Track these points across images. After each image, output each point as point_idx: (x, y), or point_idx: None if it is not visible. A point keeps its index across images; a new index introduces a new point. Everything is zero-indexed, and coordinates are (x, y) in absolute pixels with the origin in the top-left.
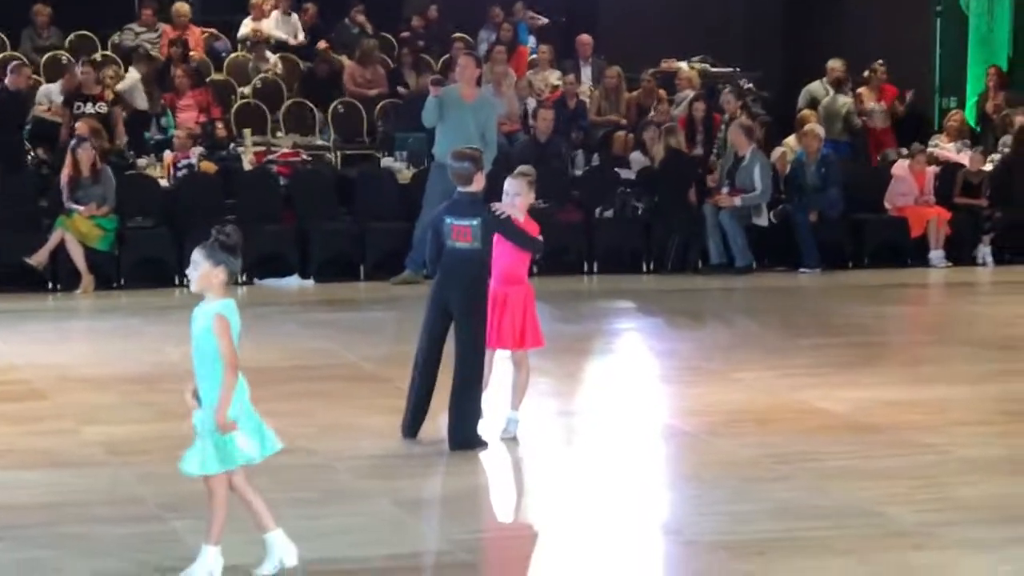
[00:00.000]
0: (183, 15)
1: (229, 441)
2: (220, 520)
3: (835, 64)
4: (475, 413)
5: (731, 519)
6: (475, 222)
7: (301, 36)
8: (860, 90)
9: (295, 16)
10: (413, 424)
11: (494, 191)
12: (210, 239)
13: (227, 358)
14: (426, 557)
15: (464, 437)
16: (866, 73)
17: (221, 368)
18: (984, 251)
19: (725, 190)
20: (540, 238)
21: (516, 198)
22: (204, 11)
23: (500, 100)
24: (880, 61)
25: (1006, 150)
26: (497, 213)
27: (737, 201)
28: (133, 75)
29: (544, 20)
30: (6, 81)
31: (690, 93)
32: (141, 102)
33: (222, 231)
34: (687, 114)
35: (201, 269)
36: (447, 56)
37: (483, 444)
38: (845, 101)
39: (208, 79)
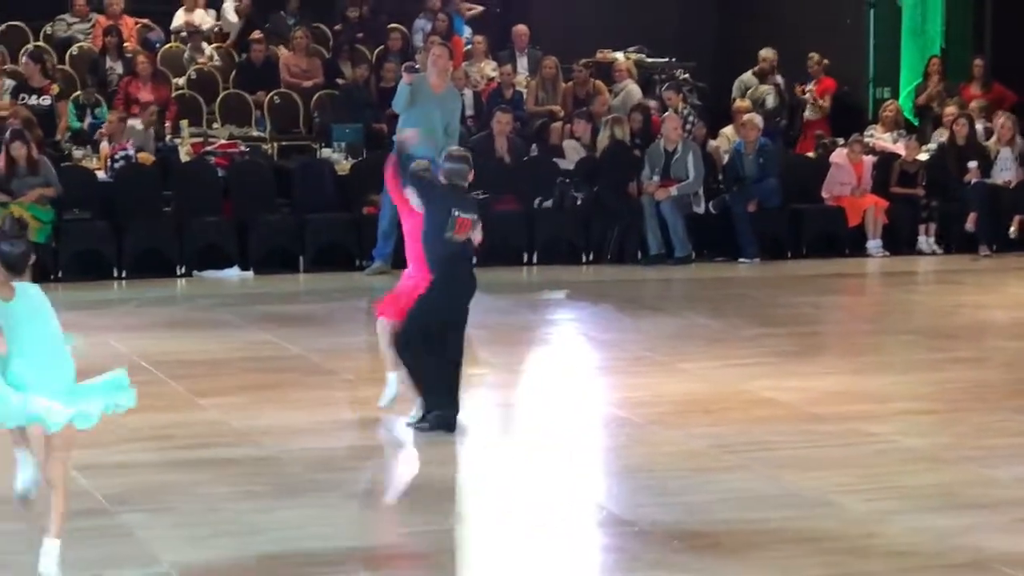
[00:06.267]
0: (116, 5)
1: None
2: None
3: (766, 54)
4: None
5: (684, 509)
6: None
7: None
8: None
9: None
10: None
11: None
12: None
13: None
14: (380, 550)
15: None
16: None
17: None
18: (927, 240)
19: (656, 180)
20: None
21: None
22: (137, 1)
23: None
24: (816, 54)
25: (941, 140)
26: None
27: (673, 191)
28: None
29: (479, 9)
30: None
31: (629, 83)
32: None
33: (7, 239)
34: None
35: None
36: (381, 47)
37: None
38: (765, 89)
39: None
